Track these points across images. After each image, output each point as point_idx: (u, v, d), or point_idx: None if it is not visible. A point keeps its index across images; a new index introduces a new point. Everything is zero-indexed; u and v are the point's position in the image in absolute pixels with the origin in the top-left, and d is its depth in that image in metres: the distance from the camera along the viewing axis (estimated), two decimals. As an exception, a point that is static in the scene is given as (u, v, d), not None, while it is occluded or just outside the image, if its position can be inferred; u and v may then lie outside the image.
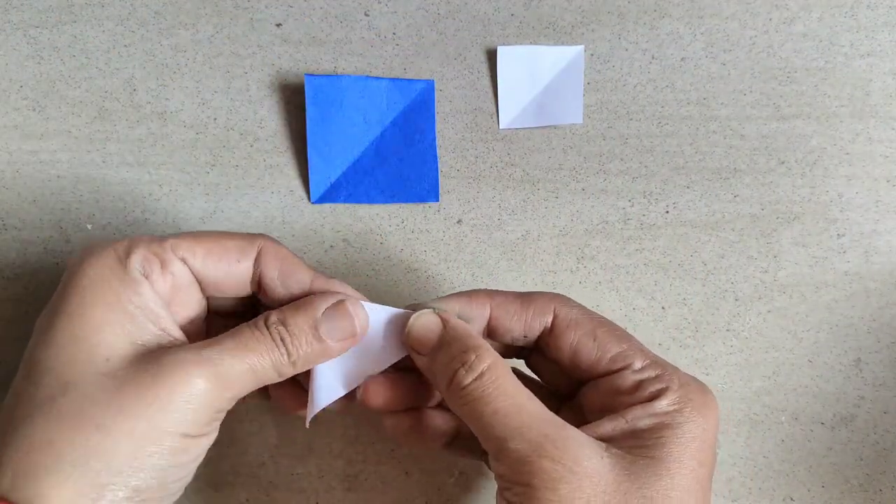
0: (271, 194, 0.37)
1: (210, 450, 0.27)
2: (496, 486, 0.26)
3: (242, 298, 0.30)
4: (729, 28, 0.37)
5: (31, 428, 0.23)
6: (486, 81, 0.38)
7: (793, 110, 0.38)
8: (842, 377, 0.38)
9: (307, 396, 0.30)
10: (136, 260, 0.26)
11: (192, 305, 0.29)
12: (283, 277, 0.28)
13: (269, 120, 0.37)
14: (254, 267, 0.29)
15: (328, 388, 0.29)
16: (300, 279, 0.29)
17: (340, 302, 0.28)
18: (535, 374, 0.33)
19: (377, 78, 0.37)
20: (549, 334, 0.29)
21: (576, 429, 0.26)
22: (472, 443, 0.31)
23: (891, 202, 0.38)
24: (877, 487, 0.37)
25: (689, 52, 0.37)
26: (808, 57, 0.38)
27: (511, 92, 0.37)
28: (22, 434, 0.23)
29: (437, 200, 0.37)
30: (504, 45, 0.37)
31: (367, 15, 0.37)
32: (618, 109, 0.38)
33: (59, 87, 0.37)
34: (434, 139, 0.37)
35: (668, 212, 0.38)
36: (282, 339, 0.27)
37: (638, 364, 0.28)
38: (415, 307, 0.29)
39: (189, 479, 0.27)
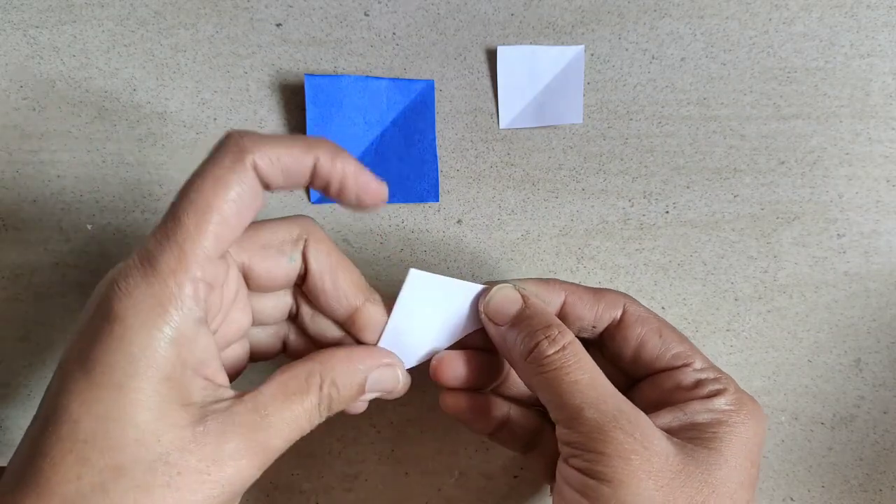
0: (271, 194, 0.37)
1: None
2: (561, 454, 0.27)
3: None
4: (729, 28, 0.37)
5: None
6: (486, 81, 0.37)
7: (793, 110, 0.38)
8: (842, 377, 0.38)
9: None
10: (191, 304, 0.24)
11: (241, 315, 0.28)
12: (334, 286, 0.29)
13: (269, 120, 0.37)
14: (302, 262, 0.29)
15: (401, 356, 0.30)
16: (350, 290, 0.29)
17: (390, 365, 0.29)
18: None
19: (377, 78, 0.37)
20: (615, 327, 0.30)
21: (644, 413, 0.27)
22: (517, 432, 0.32)
23: (891, 202, 0.38)
24: (877, 487, 0.37)
25: (689, 52, 0.37)
26: (808, 57, 0.38)
27: (511, 92, 0.37)
28: None
29: (437, 200, 0.37)
30: (504, 45, 0.37)
31: (367, 15, 0.37)
32: (618, 109, 0.38)
33: (59, 87, 0.37)
34: (434, 139, 0.37)
35: (668, 212, 0.38)
36: (329, 404, 0.27)
37: (698, 364, 0.29)
38: (492, 283, 0.30)
39: None
